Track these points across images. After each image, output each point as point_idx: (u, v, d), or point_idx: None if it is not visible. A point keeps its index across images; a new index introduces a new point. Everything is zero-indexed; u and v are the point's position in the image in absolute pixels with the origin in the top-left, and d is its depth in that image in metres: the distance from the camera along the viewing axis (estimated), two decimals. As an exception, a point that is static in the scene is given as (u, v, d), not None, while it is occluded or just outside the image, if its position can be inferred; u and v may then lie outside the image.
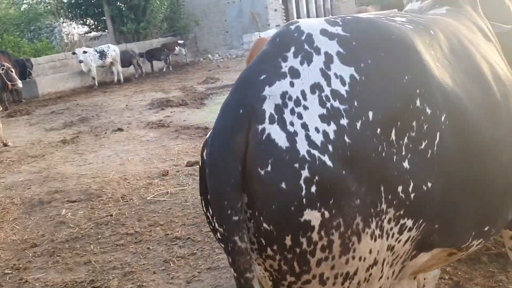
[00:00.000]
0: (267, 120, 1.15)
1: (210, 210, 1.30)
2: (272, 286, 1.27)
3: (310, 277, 1.19)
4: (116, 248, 3.82)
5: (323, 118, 1.15)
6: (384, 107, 1.20)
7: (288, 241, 1.14)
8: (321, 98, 1.17)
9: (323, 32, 1.27)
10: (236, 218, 1.14)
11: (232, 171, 1.14)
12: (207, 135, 1.34)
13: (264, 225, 1.15)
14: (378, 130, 1.18)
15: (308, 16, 29.97)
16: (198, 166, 4.95)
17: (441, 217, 1.34)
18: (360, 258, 1.19)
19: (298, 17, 28.71)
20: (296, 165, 1.12)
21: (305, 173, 1.11)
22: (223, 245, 1.22)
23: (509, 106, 1.56)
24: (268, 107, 1.16)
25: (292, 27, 1.31)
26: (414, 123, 1.23)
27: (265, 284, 1.30)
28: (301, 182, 1.11)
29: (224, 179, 1.15)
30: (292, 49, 1.24)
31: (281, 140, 1.13)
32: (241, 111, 1.17)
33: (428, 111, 1.27)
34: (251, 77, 1.23)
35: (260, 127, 1.15)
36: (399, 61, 1.29)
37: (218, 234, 1.21)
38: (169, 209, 4.57)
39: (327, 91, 1.18)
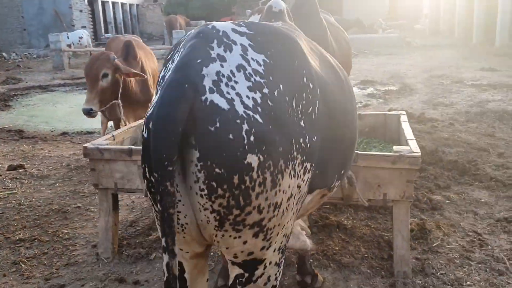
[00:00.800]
0: (208, 92, 1.49)
1: (153, 175, 1.52)
2: (217, 226, 1.57)
3: (251, 208, 1.54)
4: None
5: (250, 88, 1.54)
6: (288, 82, 1.65)
7: (235, 179, 1.48)
8: (246, 75, 1.56)
9: (234, 31, 1.67)
10: (170, 168, 1.43)
11: (174, 132, 1.43)
12: (149, 110, 1.57)
13: (216, 170, 1.47)
14: (287, 98, 1.62)
15: (115, 19, 29.33)
16: (22, 170, 4.72)
17: (321, 163, 1.83)
18: (283, 191, 1.60)
19: (105, 20, 27.90)
20: (238, 121, 1.48)
21: (244, 126, 1.48)
22: (154, 190, 1.50)
23: (347, 84, 2.22)
24: (207, 83, 1.50)
25: (210, 26, 1.69)
26: (304, 94, 1.70)
27: (207, 226, 1.59)
28: (243, 133, 1.47)
29: (167, 137, 1.43)
30: (215, 41, 1.61)
31: (223, 104, 1.48)
32: (186, 86, 1.47)
33: (311, 85, 1.76)
34: (189, 61, 1.54)
35: (204, 97, 1.48)
36: (291, 51, 1.76)
37: (153, 179, 1.51)
38: (2, 213, 4.26)
39: (249, 70, 1.57)
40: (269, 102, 1.55)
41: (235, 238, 1.61)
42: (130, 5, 32.81)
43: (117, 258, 3.41)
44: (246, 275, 1.74)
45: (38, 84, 13.32)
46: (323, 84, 1.87)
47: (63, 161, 5.89)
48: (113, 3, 29.30)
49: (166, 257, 1.49)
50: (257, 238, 1.63)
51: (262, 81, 1.57)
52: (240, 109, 1.50)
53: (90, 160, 3.31)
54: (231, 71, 1.55)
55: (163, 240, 1.47)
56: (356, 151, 2.98)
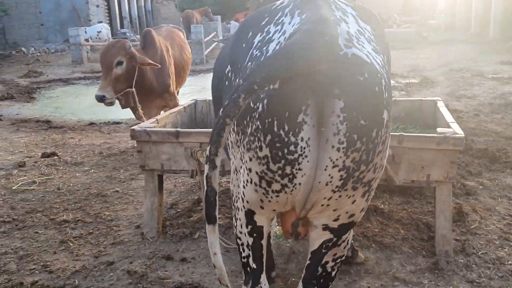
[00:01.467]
0: (346, 47, 1.50)
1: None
2: (339, 185, 1.57)
3: (372, 166, 1.58)
4: (-1, 236, 3.60)
5: (374, 50, 1.59)
6: (386, 54, 1.77)
7: (374, 133, 1.51)
8: (366, 39, 1.61)
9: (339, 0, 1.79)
10: (303, 116, 1.49)
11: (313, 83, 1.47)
12: (274, 57, 1.50)
13: (361, 121, 1.47)
14: (387, 68, 1.70)
15: (130, 15, 29.51)
16: (56, 157, 4.82)
17: None
18: (387, 155, 1.72)
19: (121, 15, 28.09)
20: (379, 75, 1.52)
21: (383, 82, 1.53)
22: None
23: None
24: (342, 39, 1.51)
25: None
26: (388, 67, 1.76)
27: (323, 188, 1.58)
28: (383, 87, 1.53)
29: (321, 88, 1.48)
30: (333, 6, 1.68)
31: (365, 57, 1.52)
32: (326, 38, 1.46)
33: (390, 62, 1.86)
34: (323, 17, 1.54)
35: (346, 50, 1.49)
36: (381, 26, 1.84)
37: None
38: (43, 197, 4.39)
39: (366, 35, 1.64)
40: (386, 67, 1.62)
41: (349, 197, 1.64)
42: (145, 0, 32.96)
43: (162, 238, 3.51)
44: (334, 239, 1.79)
45: (59, 77, 13.53)
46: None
47: (95, 149, 6.01)
48: (129, -1, 29.48)
49: (206, 167, 1.47)
50: (363, 197, 1.68)
51: (377, 47, 1.64)
52: (377, 65, 1.54)
53: (137, 142, 3.40)
54: (356, 33, 1.59)
55: (208, 148, 1.47)
56: (401, 133, 3.06)
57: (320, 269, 1.86)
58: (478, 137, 5.71)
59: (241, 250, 1.94)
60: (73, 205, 4.20)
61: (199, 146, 3.27)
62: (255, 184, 1.67)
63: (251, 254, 1.90)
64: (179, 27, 6.16)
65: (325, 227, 1.75)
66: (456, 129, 3.04)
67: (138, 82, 4.51)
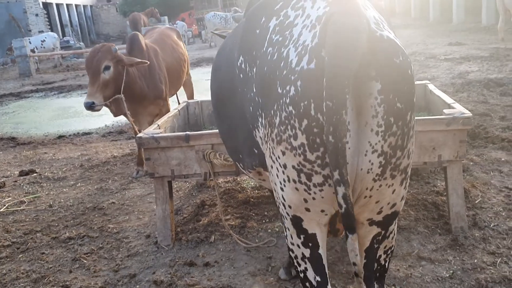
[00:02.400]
0: (379, 29, 1.48)
1: (326, 104, 1.39)
2: (379, 173, 1.53)
3: (406, 151, 1.55)
4: (3, 261, 3.41)
5: (395, 37, 1.55)
6: None
7: (408, 116, 1.50)
8: (387, 26, 1.59)
9: None
10: (347, 97, 1.37)
11: (355, 60, 1.38)
12: (320, 37, 1.44)
13: (398, 104, 1.45)
14: None
15: (71, 22, 28.54)
16: (35, 174, 4.63)
17: None
18: (414, 139, 1.66)
19: (61, 23, 27.12)
20: (409, 59, 1.52)
21: (412, 66, 1.53)
22: (325, 121, 1.38)
23: None
24: (373, 22, 1.49)
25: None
26: None
27: (366, 176, 1.53)
28: (413, 72, 1.52)
29: (347, 65, 1.37)
30: None
31: (396, 40, 1.51)
32: (363, 19, 1.44)
33: None
34: (354, 4, 1.50)
35: (380, 32, 1.48)
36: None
37: (324, 107, 1.37)
38: (36, 216, 4.20)
39: (385, 23, 1.60)
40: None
41: (389, 187, 1.59)
42: (84, 6, 31.99)
43: (177, 245, 3.44)
44: (383, 232, 1.73)
45: (9, 92, 12.94)
46: None
47: (74, 162, 5.80)
48: (67, 5, 28.48)
49: (341, 189, 1.42)
50: (402, 185, 1.63)
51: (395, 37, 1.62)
52: (404, 49, 1.53)
53: (144, 150, 3.31)
54: (379, 19, 1.57)
55: (336, 172, 1.40)
56: (413, 117, 3.14)
57: (376, 264, 1.84)
58: (453, 116, 5.95)
59: (295, 264, 1.80)
60: (71, 221, 4.04)
61: (211, 147, 3.23)
62: (294, 181, 1.57)
63: (309, 267, 1.75)
64: (173, 27, 6.00)
65: (371, 222, 1.70)
66: (461, 109, 3.16)
67: (128, 88, 4.36)
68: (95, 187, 4.85)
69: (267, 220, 3.70)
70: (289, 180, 1.59)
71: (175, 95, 5.64)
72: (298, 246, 1.74)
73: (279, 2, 1.71)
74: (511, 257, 2.90)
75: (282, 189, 1.64)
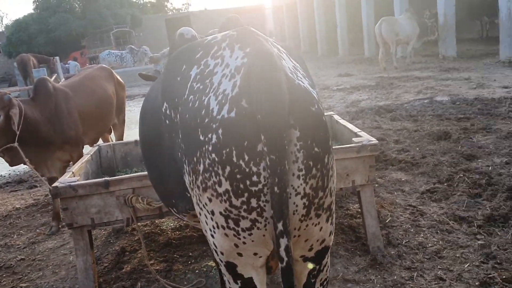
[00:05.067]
0: (296, 79, 1.58)
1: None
2: (304, 214, 1.57)
3: (328, 190, 1.62)
4: None
5: (310, 86, 1.67)
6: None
7: (326, 159, 1.58)
8: (302, 75, 1.69)
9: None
10: (287, 147, 1.46)
11: (285, 110, 1.45)
12: (241, 87, 1.50)
13: (316, 149, 1.53)
14: None
15: None
16: None
17: None
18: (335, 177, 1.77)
19: None
20: (322, 107, 1.62)
21: (324, 113, 1.63)
22: (272, 171, 1.43)
23: None
24: (287, 74, 1.55)
25: (249, 29, 1.79)
26: None
27: (292, 218, 1.56)
28: (325, 118, 1.63)
29: (281, 115, 1.44)
30: (269, 42, 1.72)
31: (310, 89, 1.62)
32: (281, 71, 1.50)
33: None
34: (267, 51, 1.56)
35: (297, 81, 1.57)
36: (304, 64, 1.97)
37: (268, 161, 1.42)
38: None
39: (300, 72, 1.71)
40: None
41: (315, 225, 1.64)
42: (-38, 48, 29.61)
43: (101, 297, 3.27)
44: (317, 267, 1.78)
45: None
46: None
47: (-31, 219, 5.27)
48: None
49: (284, 241, 1.47)
50: (328, 222, 1.71)
51: (310, 83, 1.73)
52: (317, 98, 1.64)
53: (61, 200, 3.14)
54: (294, 69, 1.67)
55: (280, 224, 1.45)
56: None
57: None
58: (353, 142, 6.39)
59: None
60: (-26, 285, 3.66)
61: (132, 192, 3.16)
62: (223, 227, 1.58)
63: None
64: (107, 67, 5.66)
65: (304, 258, 1.74)
66: (368, 137, 3.43)
67: (29, 134, 4.09)
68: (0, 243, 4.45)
69: (193, 261, 3.66)
70: (218, 227, 1.60)
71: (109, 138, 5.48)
72: None
73: (199, 50, 1.76)
74: (425, 270, 3.16)
75: (212, 235, 1.66)
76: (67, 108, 4.42)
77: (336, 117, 4.33)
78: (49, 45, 30.76)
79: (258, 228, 1.55)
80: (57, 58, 19.84)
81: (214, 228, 1.61)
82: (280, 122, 1.45)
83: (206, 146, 1.52)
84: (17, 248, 4.31)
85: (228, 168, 1.48)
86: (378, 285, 3.06)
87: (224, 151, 1.48)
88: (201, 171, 1.56)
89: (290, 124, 1.50)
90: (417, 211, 4.09)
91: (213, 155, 1.50)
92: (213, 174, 1.52)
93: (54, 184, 3.14)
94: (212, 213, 1.58)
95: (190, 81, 1.68)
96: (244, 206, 1.52)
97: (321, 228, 1.68)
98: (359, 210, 3.61)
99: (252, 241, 1.58)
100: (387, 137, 6.47)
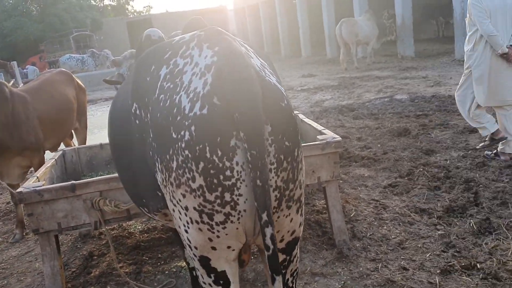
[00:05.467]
0: (266, 75, 1.64)
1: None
2: (275, 206, 1.64)
3: (298, 182, 1.70)
4: None
5: (278, 82, 1.75)
6: None
7: (296, 152, 1.65)
8: (269, 72, 1.75)
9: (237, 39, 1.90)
10: (266, 143, 1.54)
11: (259, 106, 1.52)
12: (212, 85, 1.55)
13: (286, 143, 1.60)
14: None
15: None
16: None
17: None
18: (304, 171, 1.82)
19: None
20: (290, 102, 1.69)
21: (292, 108, 1.71)
22: (251, 165, 1.49)
23: None
24: (257, 71, 1.61)
25: (218, 29, 1.84)
26: None
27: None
28: (294, 113, 1.71)
29: (257, 111, 1.51)
30: (236, 42, 1.77)
31: (279, 86, 1.69)
32: (251, 69, 1.58)
33: None
34: (237, 51, 1.64)
35: (267, 78, 1.63)
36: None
37: (249, 156, 1.49)
38: None
39: (267, 69, 1.76)
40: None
41: (286, 217, 1.72)
42: None
43: (70, 302, 3.24)
44: (288, 258, 1.86)
45: None
46: None
47: None
48: None
49: (269, 230, 1.53)
50: (298, 213, 1.80)
51: (278, 80, 1.80)
52: (285, 94, 1.72)
53: (26, 205, 3.09)
54: (262, 66, 1.73)
55: (264, 214, 1.51)
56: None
57: None
58: (318, 141, 6.51)
59: None
60: None
61: (100, 194, 3.14)
62: (197, 222, 1.62)
63: None
64: (66, 70, 5.52)
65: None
66: (332, 135, 3.53)
67: None
68: (-41, 254, 4.32)
69: (162, 262, 3.66)
70: (192, 222, 1.64)
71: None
72: (210, 285, 1.79)
73: (168, 51, 1.80)
74: (389, 261, 3.28)
75: (186, 231, 1.69)
76: (25, 113, 4.32)
77: (301, 116, 4.43)
78: (5, 50, 29.82)
79: (231, 222, 1.61)
80: (15, 62, 19.32)
81: (188, 223, 1.65)
82: (257, 119, 1.52)
83: (179, 144, 1.56)
84: (-21, 257, 4.20)
85: (201, 164, 1.52)
86: (345, 277, 3.15)
87: (197, 147, 1.52)
88: (174, 168, 1.59)
89: (263, 119, 1.55)
90: (380, 204, 4.22)
91: (186, 152, 1.54)
92: (186, 170, 1.56)
93: (19, 190, 3.09)
94: (186, 208, 1.62)
95: (160, 80, 1.72)
96: (218, 201, 1.56)
97: (292, 219, 1.76)
98: (325, 206, 3.70)
99: (226, 234, 1.63)
100: (350, 135, 6.63)
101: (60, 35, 32.96)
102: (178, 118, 1.57)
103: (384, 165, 5.21)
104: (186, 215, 1.64)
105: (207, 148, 1.52)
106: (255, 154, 1.50)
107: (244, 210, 1.59)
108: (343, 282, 3.10)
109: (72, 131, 5.43)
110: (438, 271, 3.07)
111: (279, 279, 1.62)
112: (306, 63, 19.24)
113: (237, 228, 1.62)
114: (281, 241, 1.79)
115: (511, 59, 4.66)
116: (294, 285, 2.01)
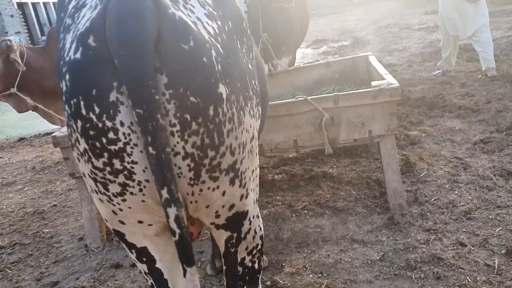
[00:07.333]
0: (171, 7, 1.24)
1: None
2: (192, 177, 1.33)
3: (225, 148, 1.34)
4: None
5: (207, 16, 1.35)
6: (234, 22, 1.48)
7: (211, 111, 1.27)
8: (200, 2, 1.37)
9: None
10: (157, 97, 1.16)
11: (150, 50, 1.17)
12: (93, 20, 1.22)
13: (191, 98, 1.23)
14: (234, 37, 1.46)
15: (49, 21, 28.14)
16: None
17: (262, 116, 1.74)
18: (247, 130, 1.44)
19: (39, 22, 26.73)
20: (207, 45, 1.28)
21: (213, 52, 1.28)
22: (140, 127, 1.18)
23: None
24: (155, 2, 1.21)
25: None
26: (245, 39, 1.55)
27: (180, 182, 1.32)
28: (213, 58, 1.27)
29: (145, 58, 1.16)
30: None
31: (191, 23, 1.26)
32: (148, 1, 1.20)
33: (248, 32, 1.61)
34: None
35: (171, 11, 1.23)
36: None
37: (135, 116, 1.17)
38: (-28, 226, 4.03)
39: None
40: (223, 35, 1.38)
41: (213, 190, 1.39)
42: (62, 4, 31.43)
43: (108, 246, 3.28)
44: (235, 235, 1.59)
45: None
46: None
47: (27, 165, 5.61)
48: (45, 4, 28.01)
49: (173, 210, 1.25)
50: (234, 185, 1.44)
51: (214, 13, 1.40)
52: (205, 33, 1.30)
53: (61, 149, 3.12)
54: None
55: (164, 191, 1.22)
56: (336, 93, 2.97)
57: (240, 268, 1.70)
58: (415, 86, 5.76)
59: (146, 279, 1.64)
60: (8, 228, 3.87)
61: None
62: (96, 192, 1.37)
63: (154, 283, 1.59)
64: None
65: (216, 226, 1.53)
66: (390, 80, 2.97)
67: (34, 83, 4.18)
68: (42, 189, 4.67)
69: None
70: (92, 191, 1.39)
71: None
72: (136, 261, 1.56)
73: None
74: (446, 233, 2.73)
75: (93, 200, 1.46)
76: None
77: (372, 58, 3.83)
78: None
79: (131, 193, 1.32)
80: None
81: (91, 192, 1.41)
82: (143, 66, 1.15)
83: (63, 96, 1.28)
84: (54, 194, 4.49)
85: (79, 123, 1.23)
86: (387, 248, 2.70)
87: (72, 102, 1.23)
88: (67, 124, 1.33)
89: (155, 67, 1.19)
90: (461, 164, 3.56)
91: (66, 107, 1.26)
92: (71, 130, 1.29)
93: (54, 134, 3.12)
94: (84, 175, 1.38)
95: (66, 16, 1.42)
96: (108, 168, 1.28)
97: (224, 192, 1.42)
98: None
99: (129, 207, 1.36)
100: (454, 80, 5.72)
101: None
102: (61, 63, 1.29)
103: (482, 116, 4.39)
104: (86, 182, 1.40)
105: (82, 103, 1.21)
106: (142, 114, 1.16)
107: (147, 180, 1.29)
108: (382, 253, 2.65)
109: None
110: (503, 251, 2.47)
111: (190, 270, 1.31)
112: (435, -1, 17.27)
113: (142, 201, 1.33)
114: (218, 217, 1.48)
115: None
116: (256, 265, 1.71)
